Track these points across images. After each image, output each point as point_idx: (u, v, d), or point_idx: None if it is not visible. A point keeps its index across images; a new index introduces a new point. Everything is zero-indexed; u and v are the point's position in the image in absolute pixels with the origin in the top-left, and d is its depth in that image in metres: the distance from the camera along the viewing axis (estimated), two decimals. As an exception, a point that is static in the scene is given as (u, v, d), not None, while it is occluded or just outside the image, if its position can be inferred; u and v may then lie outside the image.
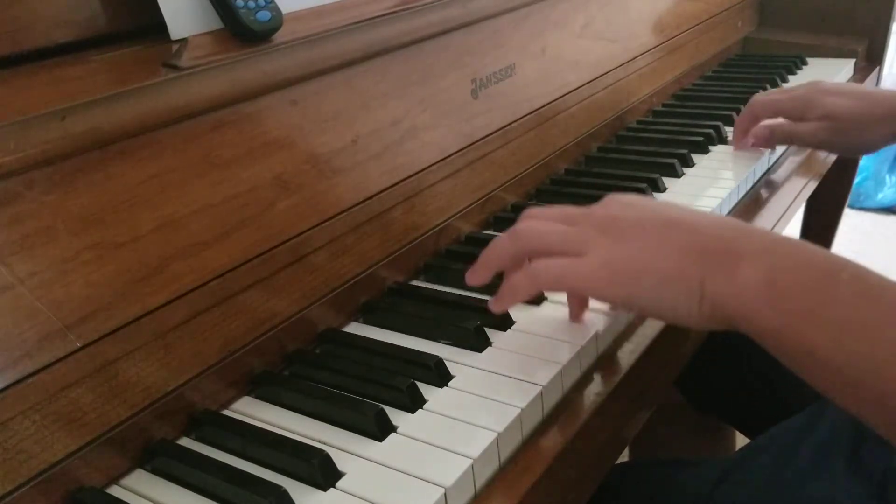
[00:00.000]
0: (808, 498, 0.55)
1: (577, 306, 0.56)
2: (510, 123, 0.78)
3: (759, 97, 0.85)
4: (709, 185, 0.81)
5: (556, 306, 0.59)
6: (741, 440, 0.98)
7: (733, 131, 0.89)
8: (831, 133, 0.79)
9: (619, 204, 0.51)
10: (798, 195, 0.95)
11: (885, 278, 0.42)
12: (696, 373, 0.85)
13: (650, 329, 0.59)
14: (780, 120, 0.85)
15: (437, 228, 0.69)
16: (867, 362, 0.39)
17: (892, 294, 0.41)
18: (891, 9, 1.22)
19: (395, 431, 0.48)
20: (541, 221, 0.52)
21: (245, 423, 0.51)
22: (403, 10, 0.64)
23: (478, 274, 0.54)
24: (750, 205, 0.82)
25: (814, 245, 0.45)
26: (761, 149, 0.86)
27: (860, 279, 0.42)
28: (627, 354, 0.57)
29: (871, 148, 0.82)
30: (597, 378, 0.54)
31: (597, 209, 0.51)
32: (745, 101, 1.03)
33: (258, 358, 0.54)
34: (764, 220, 0.82)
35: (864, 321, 0.40)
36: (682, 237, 0.47)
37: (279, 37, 0.54)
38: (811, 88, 0.81)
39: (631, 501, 0.65)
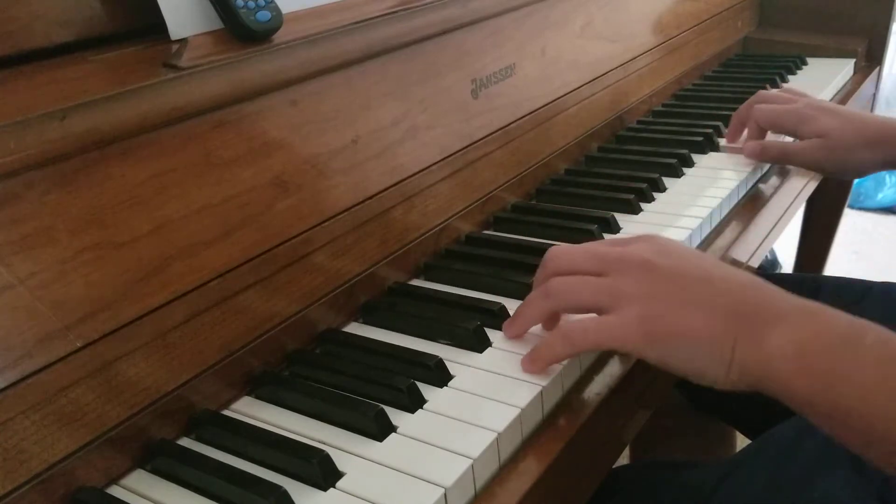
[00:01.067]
0: (809, 498, 0.55)
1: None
2: (510, 123, 0.78)
3: (762, 106, 0.86)
4: (709, 184, 0.81)
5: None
6: (741, 441, 0.98)
7: (728, 127, 0.91)
8: (822, 153, 0.80)
9: (654, 249, 0.51)
10: (798, 195, 0.95)
11: None
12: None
13: (650, 329, 0.59)
14: (771, 137, 0.86)
15: (437, 228, 0.69)
16: (893, 424, 0.40)
17: None
18: (891, 9, 1.22)
19: (395, 431, 0.48)
20: (572, 277, 0.51)
21: (245, 423, 0.51)
22: (403, 10, 0.64)
23: (514, 330, 0.55)
24: (750, 205, 0.82)
25: (837, 311, 0.46)
26: (751, 163, 0.86)
27: (883, 343, 0.43)
28: (627, 355, 0.57)
29: (859, 171, 0.83)
30: (597, 378, 0.54)
31: (632, 253, 0.50)
32: (745, 102, 1.03)
33: (258, 358, 0.54)
34: (764, 219, 0.82)
35: (888, 387, 0.41)
36: (715, 298, 0.47)
37: (279, 37, 0.54)
38: (809, 104, 0.83)
39: (631, 502, 0.65)
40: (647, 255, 0.50)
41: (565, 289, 0.51)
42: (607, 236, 0.72)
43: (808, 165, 0.84)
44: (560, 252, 0.54)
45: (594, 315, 0.50)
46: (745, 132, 0.89)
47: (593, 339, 0.49)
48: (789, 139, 0.87)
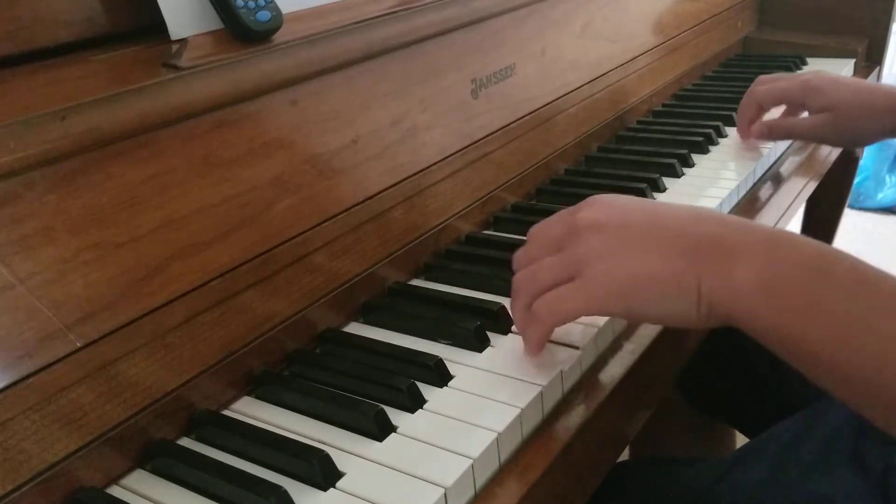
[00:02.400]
0: (808, 495, 0.55)
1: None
2: (510, 123, 0.78)
3: (761, 86, 0.86)
4: (709, 184, 0.81)
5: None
6: (741, 440, 0.98)
7: (737, 120, 0.91)
8: (830, 125, 0.80)
9: (600, 207, 0.50)
10: (798, 195, 0.95)
11: (881, 271, 0.42)
12: (696, 373, 0.85)
13: (650, 329, 0.59)
14: (777, 114, 0.87)
15: (437, 228, 0.69)
16: (865, 356, 0.39)
17: (888, 285, 0.41)
18: (891, 9, 1.22)
19: (395, 431, 0.48)
20: (530, 268, 0.51)
21: (245, 423, 0.51)
22: (403, 10, 0.64)
23: (529, 346, 0.54)
24: (750, 205, 0.82)
25: (807, 238, 0.45)
26: (764, 144, 0.88)
27: (855, 271, 0.42)
28: (627, 354, 0.57)
29: (868, 139, 0.84)
30: (597, 378, 0.54)
31: (580, 216, 0.50)
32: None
33: (258, 358, 0.54)
34: (764, 219, 0.82)
35: (860, 315, 0.40)
36: (670, 238, 0.47)
37: (279, 37, 0.54)
38: (815, 76, 0.83)
39: (632, 499, 0.65)
40: (593, 216, 0.49)
41: (526, 280, 0.51)
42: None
43: (817, 139, 0.87)
44: (517, 253, 0.54)
45: (554, 289, 0.49)
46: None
47: (558, 312, 0.49)
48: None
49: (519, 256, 0.54)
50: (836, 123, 0.80)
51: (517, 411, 0.48)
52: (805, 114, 0.86)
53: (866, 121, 0.80)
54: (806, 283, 0.42)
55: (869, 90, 0.81)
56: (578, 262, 0.48)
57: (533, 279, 0.51)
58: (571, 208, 0.53)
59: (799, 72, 1.19)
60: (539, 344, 0.52)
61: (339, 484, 0.44)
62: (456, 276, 0.66)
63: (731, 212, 0.80)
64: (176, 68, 0.49)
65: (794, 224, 1.17)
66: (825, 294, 0.41)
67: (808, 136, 0.86)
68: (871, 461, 0.54)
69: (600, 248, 0.48)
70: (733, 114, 0.99)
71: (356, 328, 0.61)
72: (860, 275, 0.42)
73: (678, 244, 0.46)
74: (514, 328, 0.56)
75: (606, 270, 0.47)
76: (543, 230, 0.53)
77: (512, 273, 0.64)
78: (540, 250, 0.52)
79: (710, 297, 0.45)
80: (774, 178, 0.88)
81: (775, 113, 0.90)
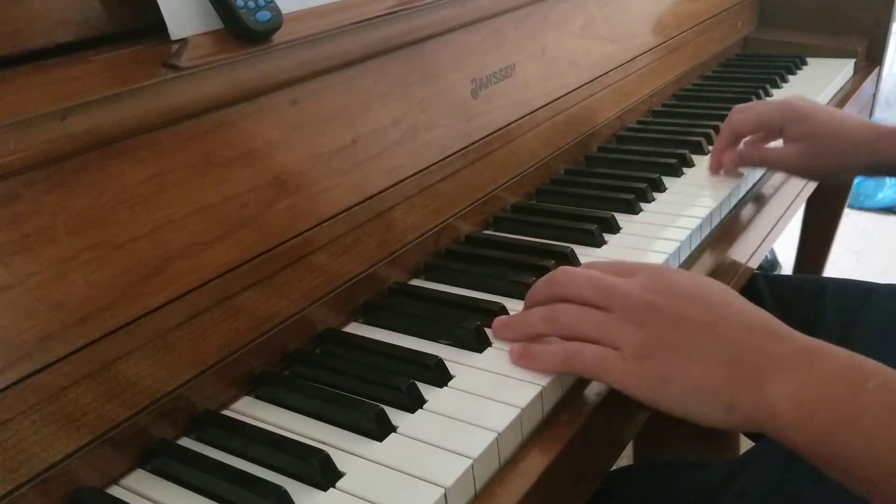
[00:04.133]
0: (818, 497, 0.55)
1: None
2: (510, 123, 0.78)
3: (737, 112, 0.82)
4: (709, 185, 0.81)
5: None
6: (744, 442, 0.98)
7: (712, 151, 0.85)
8: (805, 155, 0.77)
9: (659, 287, 0.50)
10: (798, 195, 0.95)
11: None
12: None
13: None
14: (745, 145, 0.82)
15: (437, 228, 0.69)
16: None
17: None
18: (891, 9, 1.22)
19: (395, 431, 0.48)
20: (576, 308, 0.51)
21: (245, 423, 0.51)
22: (403, 10, 0.64)
23: (507, 335, 0.55)
24: (750, 205, 0.82)
25: (841, 350, 0.45)
26: (735, 175, 0.83)
27: (887, 387, 0.42)
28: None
29: (842, 174, 0.80)
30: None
31: (636, 291, 0.50)
32: (745, 101, 1.03)
33: (258, 358, 0.54)
34: (764, 219, 0.82)
35: (893, 437, 0.40)
36: (714, 347, 0.46)
37: (279, 37, 0.54)
38: (795, 99, 0.80)
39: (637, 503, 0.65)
40: (651, 294, 0.49)
41: (569, 320, 0.51)
42: (607, 236, 0.72)
43: (790, 169, 0.82)
44: (567, 278, 0.53)
45: (595, 345, 0.50)
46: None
47: (590, 371, 0.50)
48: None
49: (564, 278, 0.53)
50: (811, 153, 0.77)
51: (517, 411, 0.48)
52: (780, 143, 0.81)
53: (843, 154, 0.76)
54: (838, 400, 0.42)
55: (848, 121, 0.78)
56: (622, 337, 0.48)
57: (576, 324, 0.51)
58: (632, 265, 0.53)
59: (799, 72, 1.19)
60: (543, 371, 0.52)
61: (339, 484, 0.45)
62: (456, 276, 0.66)
63: (731, 209, 0.80)
64: (176, 68, 0.49)
65: (795, 224, 1.17)
66: (858, 411, 0.41)
67: (781, 166, 0.81)
68: None
69: (648, 335, 0.48)
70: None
71: (356, 328, 0.61)
72: (892, 391, 0.42)
73: (722, 353, 0.46)
74: (498, 331, 0.56)
75: (647, 361, 0.47)
76: (599, 273, 0.53)
77: (512, 272, 0.64)
78: (590, 293, 0.51)
79: (744, 409, 0.45)
80: (775, 178, 0.88)
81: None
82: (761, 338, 0.47)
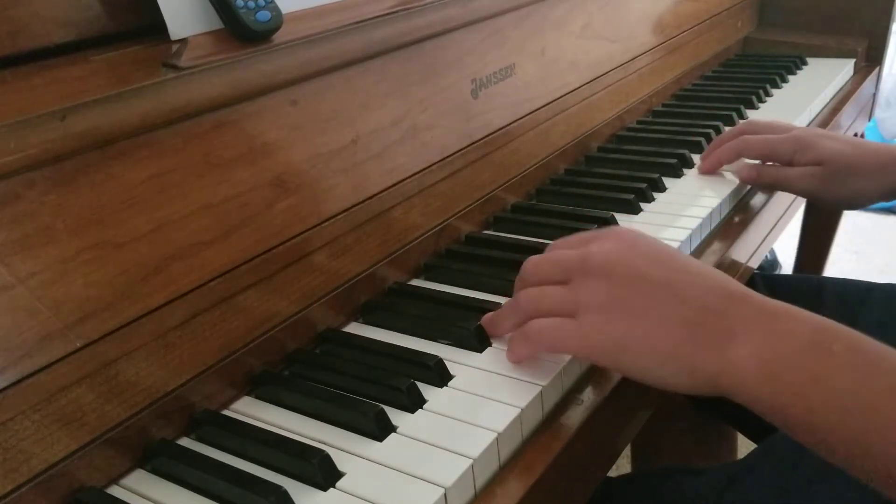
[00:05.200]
0: (818, 502, 0.55)
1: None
2: (510, 123, 0.78)
3: (751, 137, 0.81)
4: (709, 185, 0.81)
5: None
6: (743, 444, 0.98)
7: (707, 154, 0.84)
8: (820, 179, 0.75)
9: (616, 249, 0.50)
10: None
11: (879, 346, 0.42)
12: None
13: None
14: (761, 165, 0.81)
15: (437, 228, 0.69)
16: (871, 436, 0.39)
17: (888, 365, 0.41)
18: (891, 9, 1.22)
19: (395, 431, 0.48)
20: (536, 289, 0.52)
21: (245, 423, 0.51)
22: (403, 10, 0.64)
23: (491, 330, 0.56)
24: (750, 205, 0.82)
25: (805, 313, 0.44)
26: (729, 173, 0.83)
27: (854, 349, 0.42)
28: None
29: (858, 201, 0.78)
30: (597, 378, 0.54)
31: (593, 257, 0.50)
32: (745, 102, 1.04)
33: (258, 358, 0.54)
34: (764, 219, 0.82)
35: (862, 397, 0.40)
36: (673, 308, 0.46)
37: (279, 37, 0.54)
38: (806, 131, 0.79)
39: None
40: (609, 256, 0.49)
41: (530, 301, 0.52)
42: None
43: (806, 193, 0.80)
44: (530, 263, 0.54)
45: (553, 318, 0.50)
46: (720, 158, 0.83)
47: (550, 344, 0.50)
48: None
49: (528, 268, 0.54)
50: (826, 177, 0.75)
51: (517, 411, 0.48)
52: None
53: (858, 178, 0.75)
54: (804, 363, 0.42)
55: (860, 146, 0.76)
56: (580, 303, 0.48)
57: (535, 302, 0.51)
58: (591, 234, 0.53)
59: (799, 72, 1.19)
60: (522, 359, 0.52)
61: (339, 484, 0.44)
62: (456, 276, 0.66)
63: (731, 209, 0.80)
64: (176, 68, 0.49)
65: (795, 224, 1.17)
66: (825, 375, 0.41)
67: (796, 188, 0.78)
68: None
69: (603, 298, 0.48)
70: (733, 114, 1.00)
71: (356, 328, 0.61)
72: (860, 353, 0.42)
73: (681, 313, 0.46)
74: (493, 333, 0.57)
75: (604, 323, 0.47)
76: (560, 247, 0.54)
77: (512, 272, 0.64)
78: (549, 272, 0.52)
79: (706, 371, 0.45)
80: (774, 178, 0.88)
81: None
82: (722, 299, 0.46)
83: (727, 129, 0.96)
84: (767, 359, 0.43)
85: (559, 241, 0.56)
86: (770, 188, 0.82)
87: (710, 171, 0.83)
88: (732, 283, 0.48)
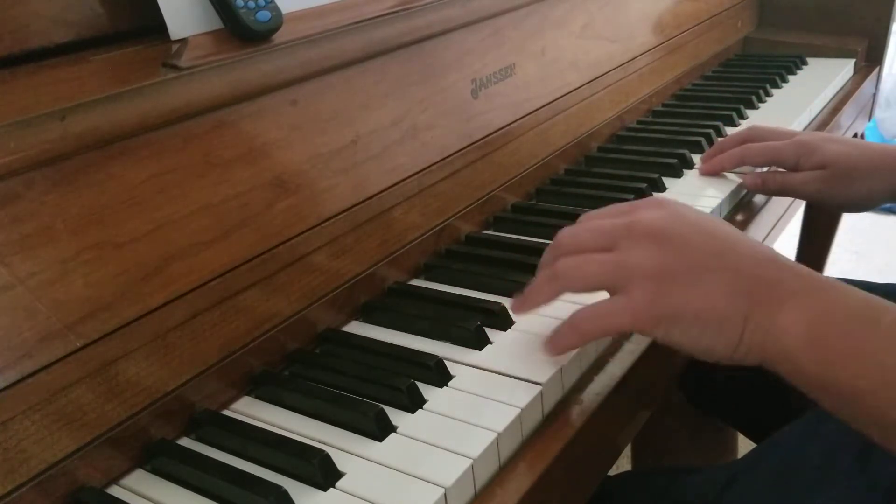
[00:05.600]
0: (817, 502, 0.54)
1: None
2: (510, 123, 0.78)
3: (754, 145, 0.79)
4: (709, 185, 0.81)
5: (557, 308, 0.59)
6: (743, 443, 0.98)
7: (707, 158, 0.83)
8: (825, 182, 0.74)
9: (663, 216, 0.49)
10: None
11: None
12: (698, 373, 0.85)
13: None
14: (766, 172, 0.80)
15: (437, 228, 0.69)
16: None
17: None
18: (891, 9, 1.22)
19: (395, 431, 0.48)
20: (579, 256, 0.49)
21: (245, 423, 0.51)
22: (403, 10, 0.64)
23: (522, 309, 0.53)
24: (750, 205, 0.82)
25: (853, 288, 0.44)
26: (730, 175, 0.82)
27: None
28: (628, 354, 0.57)
29: (865, 203, 0.76)
30: (597, 378, 0.54)
31: (639, 223, 0.48)
32: (745, 102, 1.04)
33: (258, 358, 0.54)
34: (764, 219, 0.82)
35: None
36: (726, 277, 0.46)
37: (279, 37, 0.54)
38: (809, 135, 0.78)
39: None
40: (656, 223, 0.48)
41: (572, 269, 0.49)
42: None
43: (812, 197, 0.78)
44: (566, 232, 0.52)
45: (601, 299, 0.49)
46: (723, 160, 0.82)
47: (603, 327, 0.48)
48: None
49: (564, 238, 0.52)
50: (831, 180, 0.74)
51: (517, 411, 0.48)
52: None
53: (864, 179, 0.73)
54: (852, 332, 0.42)
55: (864, 147, 0.75)
56: (630, 272, 0.47)
57: (579, 271, 0.49)
58: (631, 204, 0.51)
59: (799, 72, 1.19)
60: (564, 350, 0.51)
61: (339, 484, 0.44)
62: (456, 276, 0.66)
63: (732, 209, 0.80)
64: (176, 68, 0.49)
65: (795, 224, 1.17)
66: (873, 344, 0.41)
67: (802, 192, 0.77)
68: (880, 468, 0.53)
69: (654, 267, 0.46)
70: (733, 114, 1.00)
71: (356, 328, 0.61)
72: None
73: (734, 283, 0.45)
74: (514, 308, 0.54)
75: (656, 294, 0.46)
76: (598, 218, 0.52)
77: (513, 272, 0.64)
78: (590, 240, 0.50)
79: (753, 339, 0.44)
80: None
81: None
82: (772, 268, 0.46)
83: (730, 132, 0.96)
84: (815, 326, 0.43)
85: (593, 213, 0.53)
86: (776, 194, 0.81)
87: (711, 174, 0.82)
88: (776, 252, 0.48)
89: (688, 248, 0.47)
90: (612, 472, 0.64)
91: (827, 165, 0.74)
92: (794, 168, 0.77)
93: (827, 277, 0.46)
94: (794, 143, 0.76)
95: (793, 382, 0.44)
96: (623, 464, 1.22)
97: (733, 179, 0.82)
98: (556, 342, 0.51)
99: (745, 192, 0.83)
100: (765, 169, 0.81)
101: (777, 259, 0.47)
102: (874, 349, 0.41)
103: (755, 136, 0.81)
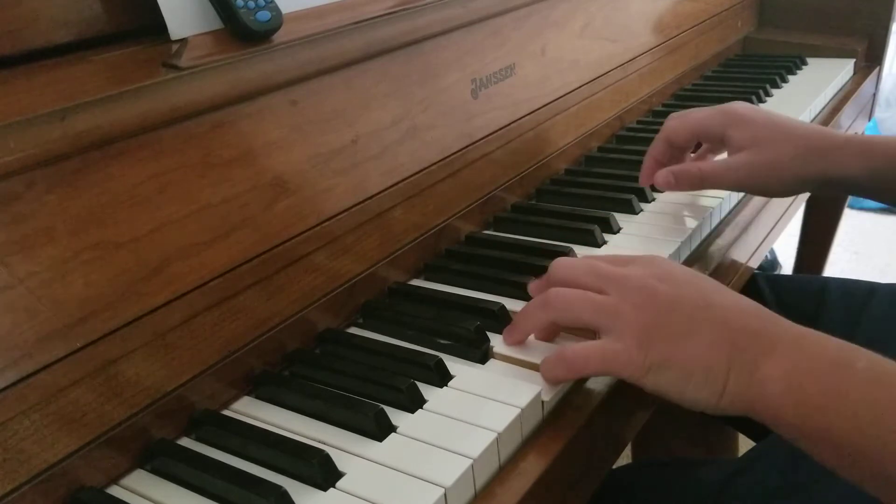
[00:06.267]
0: (820, 500, 0.55)
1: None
2: (510, 123, 0.78)
3: (672, 119, 0.74)
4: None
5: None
6: (743, 443, 0.98)
7: (643, 163, 0.76)
8: (747, 169, 0.68)
9: (655, 273, 0.50)
10: (798, 195, 0.95)
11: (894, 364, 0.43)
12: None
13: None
14: (682, 163, 0.74)
15: (437, 228, 0.69)
16: (886, 450, 0.40)
17: None
18: (891, 9, 1.22)
19: (395, 431, 0.48)
20: (572, 290, 0.51)
21: (245, 423, 0.51)
22: (403, 10, 0.64)
23: (513, 338, 0.55)
24: (750, 204, 0.82)
25: (825, 336, 0.46)
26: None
27: (875, 366, 0.43)
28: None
29: (787, 190, 0.70)
30: (597, 378, 0.54)
31: (634, 276, 0.50)
32: (745, 101, 1.03)
33: (258, 358, 0.54)
34: (764, 220, 0.82)
35: (882, 410, 0.41)
36: (712, 329, 0.47)
37: (279, 37, 0.54)
38: (734, 105, 0.72)
39: (637, 502, 0.65)
40: (648, 279, 0.50)
41: (565, 301, 0.51)
42: (607, 236, 0.72)
43: (736, 185, 0.72)
44: (562, 263, 0.54)
45: (592, 341, 0.50)
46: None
47: (594, 368, 0.49)
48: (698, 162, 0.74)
49: (560, 269, 0.53)
50: (760, 163, 0.68)
51: (517, 411, 0.48)
52: (723, 156, 0.72)
53: (792, 163, 0.67)
54: (828, 379, 0.43)
55: (800, 127, 0.69)
56: (623, 318, 0.48)
57: (572, 306, 0.50)
58: (625, 257, 0.53)
59: (799, 72, 1.19)
60: (554, 382, 0.51)
61: (339, 484, 0.44)
62: (456, 276, 0.66)
63: (731, 211, 0.80)
64: (176, 68, 0.49)
65: (795, 224, 1.17)
66: (847, 387, 0.42)
67: (725, 182, 0.70)
68: None
69: (647, 317, 0.48)
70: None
71: (356, 328, 0.61)
72: (879, 368, 0.43)
73: (719, 336, 0.47)
74: (505, 338, 0.56)
75: (647, 344, 0.47)
76: (595, 261, 0.53)
77: (512, 273, 0.64)
78: (584, 278, 0.51)
79: (735, 391, 0.46)
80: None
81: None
82: (756, 319, 0.47)
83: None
84: (794, 374, 0.44)
85: (589, 257, 0.55)
86: (694, 188, 0.74)
87: (647, 180, 0.75)
88: (759, 305, 0.49)
89: (680, 303, 0.48)
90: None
91: (756, 143, 0.68)
92: (720, 141, 0.71)
93: (804, 328, 0.47)
94: (721, 112, 0.71)
95: (778, 432, 0.45)
96: (623, 462, 1.22)
97: None
98: (549, 373, 0.51)
99: (743, 193, 0.83)
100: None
101: (760, 311, 0.48)
102: (848, 393, 0.42)
103: (672, 116, 0.75)
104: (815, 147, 0.68)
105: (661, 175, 0.72)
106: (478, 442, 0.46)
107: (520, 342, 0.55)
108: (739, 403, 0.46)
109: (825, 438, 0.43)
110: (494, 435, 0.46)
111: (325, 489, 0.44)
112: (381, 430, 0.48)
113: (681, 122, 0.73)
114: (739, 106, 0.72)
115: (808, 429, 0.43)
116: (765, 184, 0.70)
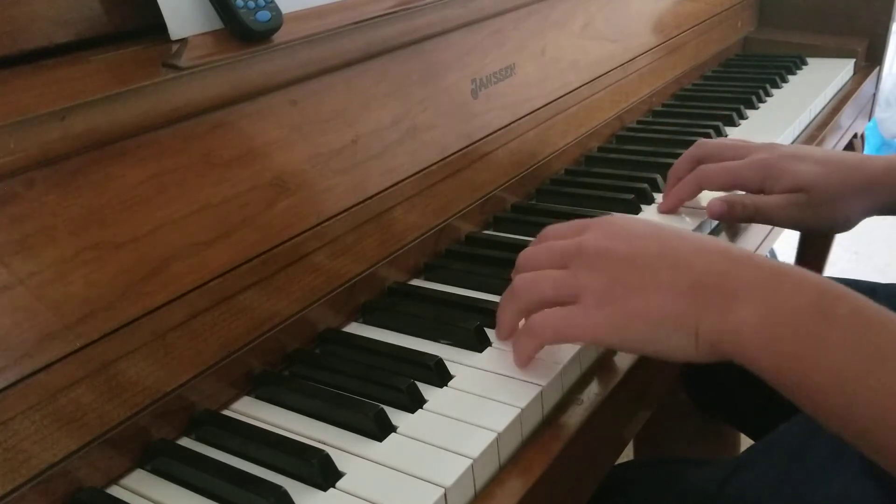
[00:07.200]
0: (820, 497, 0.55)
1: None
2: (510, 123, 0.78)
3: (710, 166, 0.70)
4: (709, 185, 0.81)
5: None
6: (745, 444, 0.98)
7: (666, 192, 0.74)
8: (802, 208, 0.66)
9: (609, 232, 0.50)
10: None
11: (883, 312, 0.41)
12: (700, 372, 0.85)
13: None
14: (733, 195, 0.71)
15: (437, 228, 0.69)
16: (865, 404, 0.39)
17: (890, 332, 0.40)
18: (891, 9, 1.22)
19: (395, 431, 0.48)
20: (532, 273, 0.51)
21: (245, 423, 0.51)
22: (403, 10, 0.64)
23: (501, 333, 0.55)
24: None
25: (810, 274, 0.44)
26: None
27: (857, 315, 0.41)
28: (627, 354, 0.57)
29: (846, 224, 0.69)
30: (597, 378, 0.54)
31: (587, 241, 0.50)
32: (745, 102, 1.04)
33: (258, 358, 0.54)
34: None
35: (862, 363, 0.39)
36: (674, 275, 0.46)
37: (279, 37, 0.54)
38: (772, 153, 0.68)
39: (637, 500, 0.65)
40: (601, 241, 0.49)
41: (527, 286, 0.51)
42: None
43: (787, 224, 0.69)
44: (524, 254, 0.54)
45: (555, 307, 0.50)
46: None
47: (556, 333, 0.49)
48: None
49: (523, 259, 0.54)
50: (812, 203, 0.66)
51: (517, 411, 0.48)
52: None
53: (847, 200, 0.66)
54: (806, 326, 0.41)
55: (838, 165, 0.67)
56: (582, 286, 0.48)
57: (534, 288, 0.51)
58: (583, 222, 0.53)
59: (799, 72, 1.19)
60: (530, 357, 0.52)
61: (339, 484, 0.44)
62: (456, 276, 0.66)
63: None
64: (176, 68, 0.49)
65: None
66: (826, 338, 0.40)
67: (777, 220, 0.68)
68: (884, 472, 0.53)
69: (605, 278, 0.47)
70: (733, 114, 1.00)
71: (356, 328, 0.61)
72: (862, 318, 0.41)
73: (681, 280, 0.45)
74: (496, 334, 0.56)
75: (608, 302, 0.47)
76: (553, 238, 0.53)
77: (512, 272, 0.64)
78: (544, 259, 0.52)
79: (710, 336, 0.44)
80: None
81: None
82: (721, 259, 0.46)
83: (730, 132, 0.96)
84: (768, 320, 0.42)
85: (549, 230, 0.56)
86: (745, 221, 0.72)
87: (672, 211, 0.74)
88: (734, 247, 0.47)
89: (636, 256, 0.48)
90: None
91: (802, 189, 0.66)
92: (759, 190, 0.69)
93: (785, 265, 0.45)
94: (757, 164, 0.68)
95: (757, 375, 0.44)
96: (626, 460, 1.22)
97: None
98: (519, 353, 0.51)
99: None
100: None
101: (730, 251, 0.46)
102: (827, 344, 0.40)
103: (706, 154, 0.72)
104: (871, 179, 0.66)
105: (716, 205, 0.69)
106: (478, 442, 0.46)
107: (507, 338, 0.55)
108: (717, 350, 0.44)
109: (804, 391, 0.41)
110: (494, 435, 0.46)
111: (325, 489, 0.44)
112: (381, 430, 0.48)
113: (714, 174, 0.70)
114: (773, 158, 0.68)
115: (787, 381, 0.42)
116: (824, 221, 0.68)
